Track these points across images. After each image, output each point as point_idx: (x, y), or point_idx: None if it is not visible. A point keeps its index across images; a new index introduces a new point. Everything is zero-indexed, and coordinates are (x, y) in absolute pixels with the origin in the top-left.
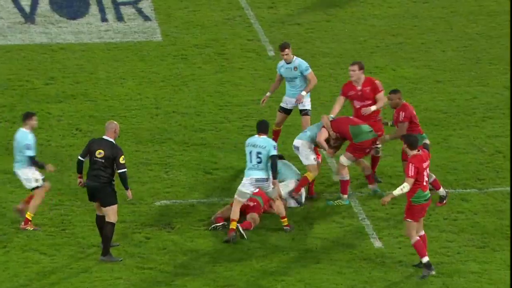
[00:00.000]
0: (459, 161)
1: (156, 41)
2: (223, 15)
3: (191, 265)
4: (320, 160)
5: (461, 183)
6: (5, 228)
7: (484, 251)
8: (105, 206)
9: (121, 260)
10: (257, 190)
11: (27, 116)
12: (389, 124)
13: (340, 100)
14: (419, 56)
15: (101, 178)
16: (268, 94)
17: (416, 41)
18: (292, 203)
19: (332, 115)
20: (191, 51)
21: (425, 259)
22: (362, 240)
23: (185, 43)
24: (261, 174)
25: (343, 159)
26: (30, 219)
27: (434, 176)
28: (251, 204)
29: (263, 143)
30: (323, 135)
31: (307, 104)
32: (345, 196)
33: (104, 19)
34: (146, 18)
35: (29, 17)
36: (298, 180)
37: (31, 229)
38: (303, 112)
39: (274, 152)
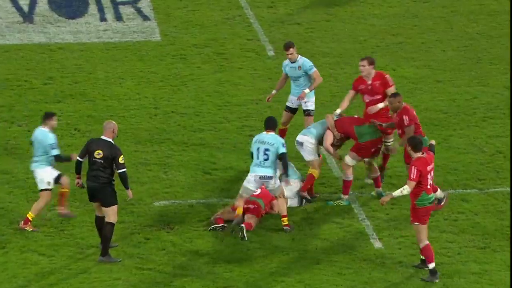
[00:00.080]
0: (459, 161)
1: (155, 40)
2: (223, 15)
3: (190, 266)
4: (321, 159)
5: (462, 184)
6: (4, 228)
7: (484, 251)
8: (105, 207)
9: (120, 260)
10: (259, 191)
11: (48, 116)
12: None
13: (350, 94)
14: (419, 55)
15: (100, 178)
16: (274, 92)
17: (416, 41)
18: (293, 203)
19: (340, 109)
20: (190, 50)
21: (432, 265)
22: (362, 240)
23: (184, 42)
24: (266, 172)
25: (348, 159)
26: (31, 219)
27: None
28: (252, 206)
29: (271, 140)
30: (329, 139)
31: (310, 104)
32: (346, 196)
33: (103, 19)
34: (145, 18)
35: (27, 16)
36: (300, 180)
37: (30, 229)
38: (306, 113)
39: (284, 150)
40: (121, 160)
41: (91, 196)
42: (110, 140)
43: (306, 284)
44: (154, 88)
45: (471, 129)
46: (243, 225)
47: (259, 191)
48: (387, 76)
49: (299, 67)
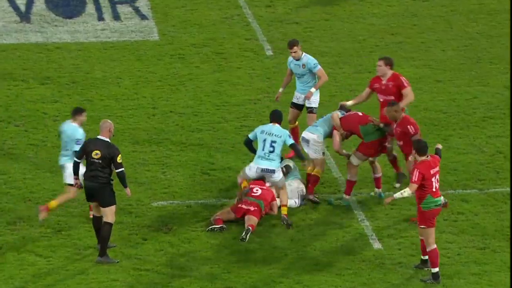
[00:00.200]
0: (459, 162)
1: (153, 40)
2: (221, 14)
3: (188, 267)
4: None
5: (461, 184)
6: (1, 229)
7: (484, 252)
8: (104, 207)
9: (117, 261)
10: (259, 192)
11: (77, 112)
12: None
13: (366, 91)
14: (418, 55)
15: (99, 178)
16: (280, 90)
17: (416, 40)
18: (292, 203)
19: (351, 101)
20: (189, 50)
21: (435, 270)
22: (361, 241)
23: (182, 42)
24: (268, 165)
25: (354, 159)
26: (51, 208)
27: None
28: (252, 208)
29: (278, 132)
30: (337, 141)
31: (313, 102)
32: (348, 197)
33: (100, 18)
34: (143, 17)
35: (24, 16)
36: (299, 179)
37: (43, 217)
38: (309, 110)
39: (292, 141)
40: (119, 159)
41: (90, 196)
42: (107, 139)
43: (305, 285)
44: (152, 88)
45: (471, 129)
46: (249, 227)
47: (259, 192)
48: (402, 77)
49: (303, 65)
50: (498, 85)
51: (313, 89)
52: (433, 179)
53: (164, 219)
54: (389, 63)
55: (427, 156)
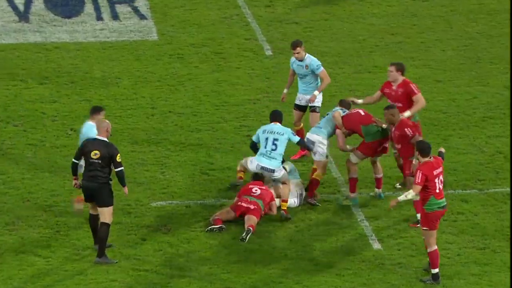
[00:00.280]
0: (459, 162)
1: (152, 40)
2: (220, 14)
3: (187, 267)
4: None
5: (461, 184)
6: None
7: (484, 252)
8: (102, 207)
9: (116, 262)
10: (258, 192)
11: (95, 111)
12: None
13: (377, 94)
14: (418, 55)
15: (99, 178)
16: (285, 91)
17: (416, 40)
18: (291, 203)
19: (361, 100)
20: (188, 50)
21: (435, 271)
22: (361, 242)
23: (181, 42)
24: (268, 164)
25: (353, 157)
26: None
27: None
28: (252, 207)
29: (280, 130)
30: (341, 139)
31: (316, 101)
32: (353, 194)
33: (99, 18)
34: (142, 17)
35: (23, 15)
36: (299, 179)
37: (78, 207)
38: (312, 109)
39: (297, 138)
40: (118, 158)
41: (89, 196)
42: (105, 139)
43: (304, 285)
44: (151, 88)
45: (470, 129)
46: (250, 228)
47: (258, 192)
48: (412, 85)
49: (306, 66)
50: (498, 85)
51: (316, 92)
52: (436, 180)
53: (163, 219)
54: (400, 68)
55: (430, 157)
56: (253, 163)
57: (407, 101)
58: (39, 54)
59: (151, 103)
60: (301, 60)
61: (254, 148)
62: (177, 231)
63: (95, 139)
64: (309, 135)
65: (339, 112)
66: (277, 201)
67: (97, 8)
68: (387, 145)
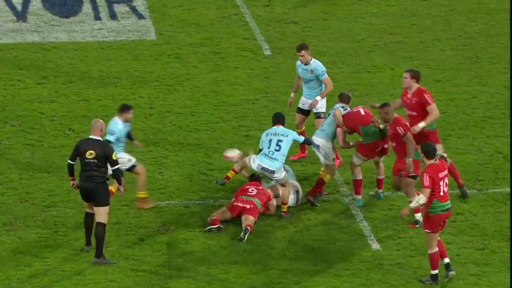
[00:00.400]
0: (458, 162)
1: (150, 40)
2: (219, 14)
3: (185, 268)
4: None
5: None
6: None
7: (483, 253)
8: (98, 206)
9: (114, 262)
10: (255, 192)
11: (124, 109)
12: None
13: (397, 101)
14: (417, 55)
15: (95, 178)
16: (292, 95)
17: (415, 40)
18: (290, 203)
19: (377, 104)
20: (186, 50)
21: (435, 272)
22: (359, 242)
23: (179, 42)
24: (270, 165)
25: (355, 159)
26: (145, 196)
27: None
28: (248, 206)
29: (284, 132)
30: (341, 137)
31: (320, 107)
32: (359, 196)
33: (97, 18)
34: (140, 17)
35: (21, 15)
36: (295, 179)
37: (147, 207)
38: (317, 115)
39: (302, 139)
40: (114, 156)
41: (86, 196)
42: (99, 138)
43: (303, 286)
44: (149, 88)
45: (470, 129)
46: (247, 227)
47: (255, 191)
48: (426, 95)
49: (311, 70)
50: (498, 85)
51: (318, 98)
52: (441, 183)
53: (161, 219)
54: (415, 76)
55: (435, 160)
56: (255, 162)
57: (422, 110)
58: (37, 54)
59: (149, 103)
60: (306, 64)
61: None
62: (175, 232)
63: (89, 139)
64: (314, 139)
65: (339, 110)
66: (274, 201)
67: (95, 8)
68: (386, 146)
